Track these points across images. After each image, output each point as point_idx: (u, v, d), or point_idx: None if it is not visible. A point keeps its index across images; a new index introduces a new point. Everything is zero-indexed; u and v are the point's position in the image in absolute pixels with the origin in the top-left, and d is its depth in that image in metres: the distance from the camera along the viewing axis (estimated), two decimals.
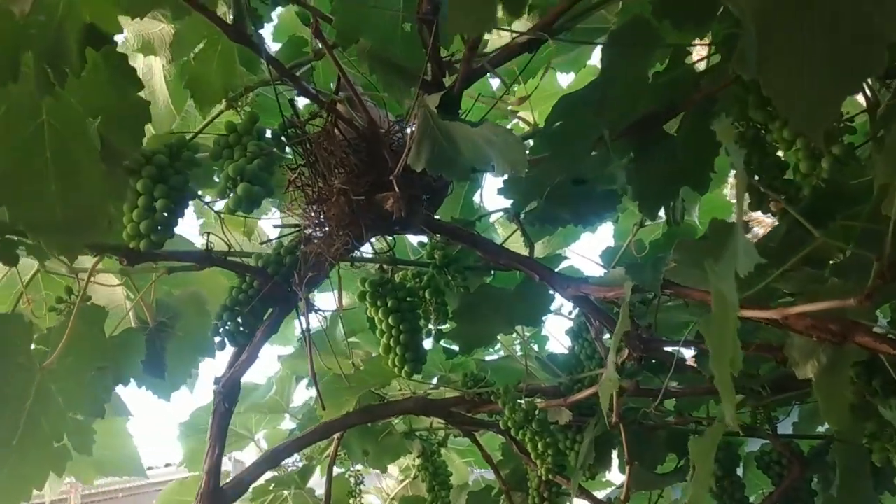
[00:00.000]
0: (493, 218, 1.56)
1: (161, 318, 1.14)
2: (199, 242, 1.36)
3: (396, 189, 0.91)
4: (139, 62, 1.18)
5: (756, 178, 0.84)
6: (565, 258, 1.60)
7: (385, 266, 1.25)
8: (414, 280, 1.31)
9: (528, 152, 0.90)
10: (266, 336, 1.16)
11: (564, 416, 1.45)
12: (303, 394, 2.10)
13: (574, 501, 1.55)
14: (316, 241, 1.05)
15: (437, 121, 0.90)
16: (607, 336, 1.30)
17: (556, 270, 1.44)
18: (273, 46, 1.18)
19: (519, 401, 1.42)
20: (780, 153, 0.84)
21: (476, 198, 1.53)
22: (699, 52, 1.01)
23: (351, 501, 1.92)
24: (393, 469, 2.45)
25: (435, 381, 1.77)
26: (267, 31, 1.12)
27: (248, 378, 1.22)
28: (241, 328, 1.09)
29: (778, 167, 0.85)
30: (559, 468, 1.47)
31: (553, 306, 1.37)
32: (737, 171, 0.68)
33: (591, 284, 1.09)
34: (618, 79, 0.89)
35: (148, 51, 1.10)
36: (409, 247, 1.51)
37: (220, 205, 1.01)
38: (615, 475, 1.85)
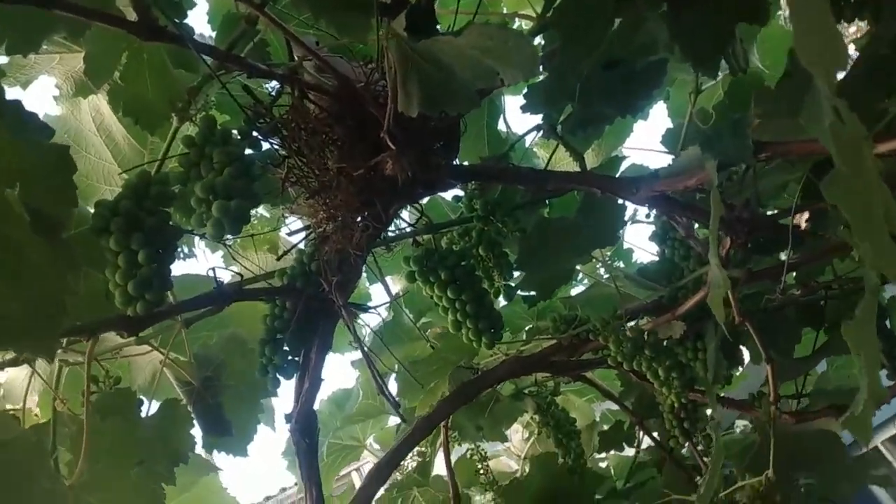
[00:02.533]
0: (527, 142, 1.35)
1: (205, 372, 1.01)
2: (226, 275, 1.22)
3: (392, 146, 0.73)
4: (83, 107, 1.03)
5: None
6: (624, 158, 1.39)
7: (421, 238, 1.08)
8: (462, 241, 1.14)
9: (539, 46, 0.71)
10: (321, 355, 1.02)
11: (677, 330, 1.26)
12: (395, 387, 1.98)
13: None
14: (333, 236, 0.89)
15: (414, 47, 0.71)
16: (698, 226, 1.10)
17: (618, 175, 1.24)
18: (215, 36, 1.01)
19: (622, 329, 1.25)
20: None
21: (500, 125, 1.33)
22: None
23: (482, 478, 1.80)
24: (515, 426, 2.33)
25: (524, 335, 1.62)
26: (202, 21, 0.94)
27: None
28: (289, 357, 0.96)
29: None
30: (688, 384, 1.30)
31: (626, 215, 1.17)
32: None
33: (664, 178, 0.89)
34: None
35: (85, 91, 0.95)
36: (446, 205, 1.33)
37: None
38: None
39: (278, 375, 0.96)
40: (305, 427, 1.05)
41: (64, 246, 0.63)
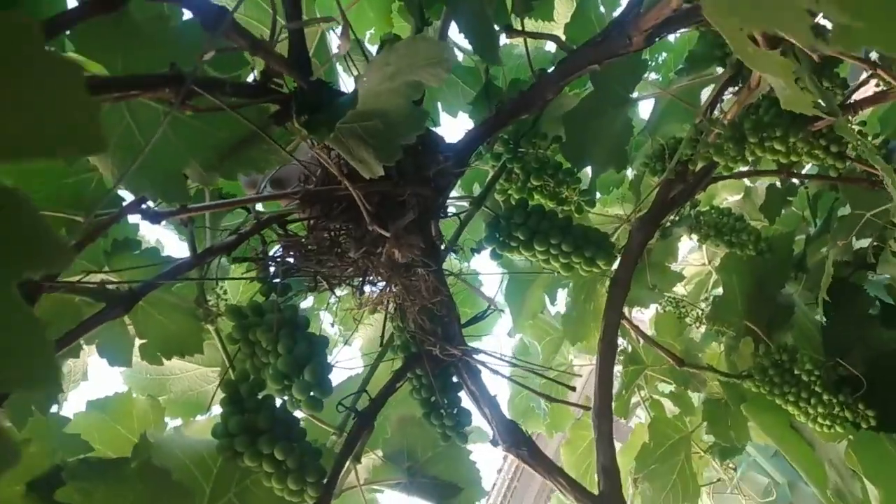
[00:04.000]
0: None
1: (403, 465, 1.03)
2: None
3: (384, 232, 0.67)
4: None
5: None
6: None
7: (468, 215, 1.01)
8: (513, 185, 1.05)
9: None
10: (476, 379, 0.99)
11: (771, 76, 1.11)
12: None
13: None
14: (405, 303, 0.84)
15: (333, 125, 0.63)
16: None
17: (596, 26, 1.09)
18: None
19: (715, 125, 1.12)
20: None
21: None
22: None
23: (688, 319, 1.74)
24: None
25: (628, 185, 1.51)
26: None
27: None
28: (456, 414, 0.94)
29: None
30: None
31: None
32: None
33: (644, 14, 0.76)
34: None
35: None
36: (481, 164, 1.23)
37: None
38: None
39: (460, 431, 0.95)
40: (515, 440, 1.05)
41: None
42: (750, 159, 1.13)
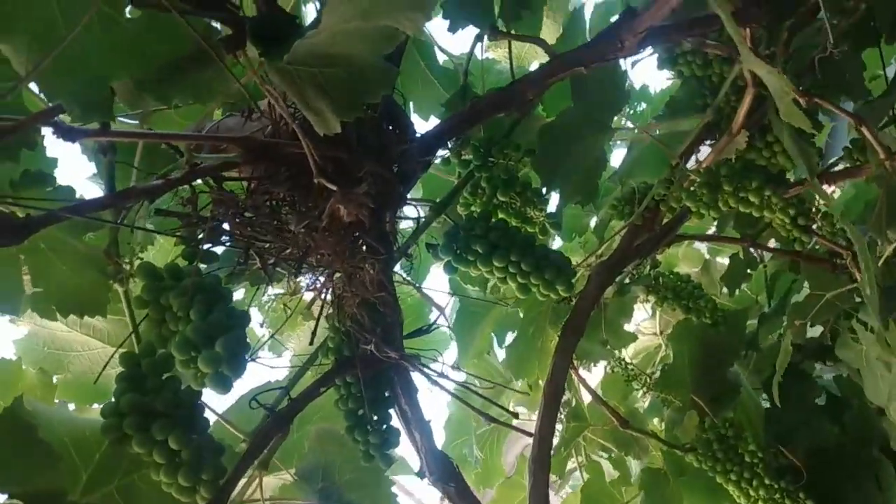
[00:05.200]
0: (480, 55, 1.17)
1: (316, 485, 0.92)
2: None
3: (332, 187, 0.59)
4: None
5: None
6: (582, 5, 1.19)
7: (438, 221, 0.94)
8: (477, 199, 0.99)
9: None
10: (412, 399, 0.90)
11: (742, 141, 1.08)
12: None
13: None
14: (345, 293, 0.76)
15: (291, 61, 0.56)
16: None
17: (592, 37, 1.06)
18: None
19: (687, 177, 1.08)
20: None
21: (440, 57, 1.15)
22: None
23: (634, 384, 1.68)
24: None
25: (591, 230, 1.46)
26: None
27: None
28: (384, 426, 0.85)
29: None
30: (783, 187, 1.15)
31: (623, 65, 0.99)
32: None
33: (644, 11, 0.72)
34: None
35: None
36: (441, 171, 1.17)
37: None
38: None
39: (385, 452, 0.85)
40: (443, 473, 0.95)
41: None
42: (723, 209, 1.10)
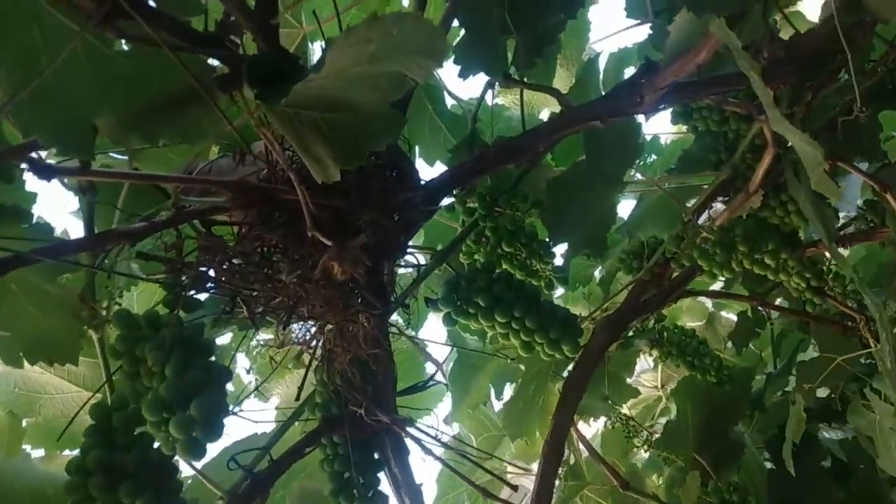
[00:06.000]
0: (489, 100, 1.13)
1: None
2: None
3: (326, 241, 0.54)
4: None
5: None
6: (598, 54, 1.16)
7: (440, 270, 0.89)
8: (481, 248, 0.95)
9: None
10: (403, 462, 0.84)
11: (757, 201, 1.04)
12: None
13: None
14: (336, 348, 0.70)
15: (290, 104, 0.52)
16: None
17: (608, 90, 1.02)
18: None
19: (699, 232, 1.04)
20: None
21: (449, 102, 1.11)
22: None
23: (636, 440, 1.62)
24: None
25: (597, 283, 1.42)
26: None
27: None
28: (371, 498, 0.79)
29: None
30: (799, 251, 1.10)
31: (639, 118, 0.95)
32: None
33: (668, 65, 0.68)
34: None
35: None
36: (445, 218, 1.12)
37: None
38: None
39: None
40: None
41: None
42: (736, 269, 1.05)
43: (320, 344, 0.73)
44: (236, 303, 0.70)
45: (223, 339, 1.04)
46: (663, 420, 2.30)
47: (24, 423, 0.91)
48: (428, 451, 0.76)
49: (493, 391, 1.44)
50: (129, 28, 0.45)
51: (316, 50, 0.87)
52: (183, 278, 0.65)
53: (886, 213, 1.08)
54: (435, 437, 0.77)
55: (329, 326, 0.73)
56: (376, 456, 0.82)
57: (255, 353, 0.98)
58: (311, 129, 0.57)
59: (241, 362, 1.21)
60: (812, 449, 1.61)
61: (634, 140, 0.96)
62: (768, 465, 1.64)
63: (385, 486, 0.85)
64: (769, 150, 0.91)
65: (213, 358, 0.65)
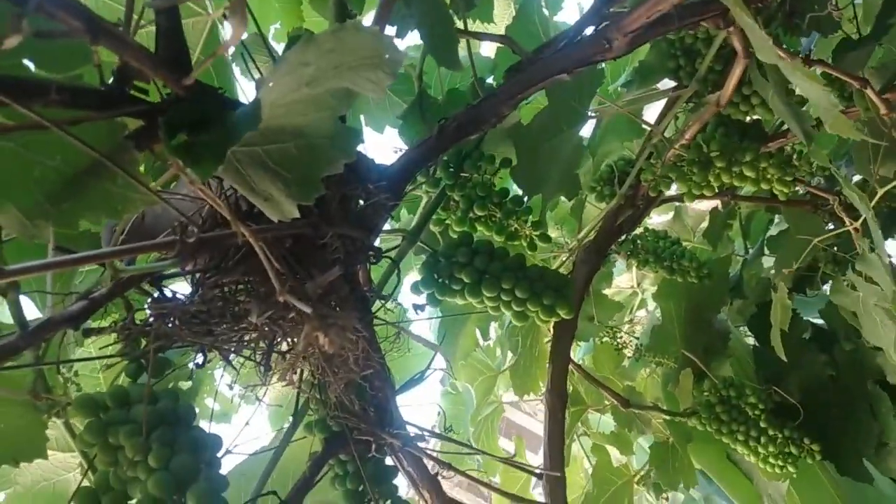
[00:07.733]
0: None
1: None
2: None
3: (304, 307, 0.47)
4: None
5: None
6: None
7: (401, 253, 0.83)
8: (455, 217, 0.88)
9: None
10: (419, 463, 0.80)
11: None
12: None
13: None
14: (328, 378, 0.64)
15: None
16: None
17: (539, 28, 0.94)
18: None
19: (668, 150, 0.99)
20: None
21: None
22: None
23: (626, 352, 1.62)
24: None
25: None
26: None
27: None
28: (389, 501, 0.75)
29: None
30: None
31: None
32: None
33: (635, 6, 0.60)
34: None
35: None
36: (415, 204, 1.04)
37: None
38: None
39: None
40: None
41: None
42: (715, 185, 1.01)
43: (307, 374, 0.66)
44: (206, 352, 0.62)
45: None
46: (641, 313, 2.33)
47: (2, 497, 0.84)
48: (443, 463, 0.72)
49: (479, 335, 1.41)
50: (9, 116, 0.35)
51: (226, 32, 0.75)
52: (142, 345, 0.57)
53: (854, 93, 1.04)
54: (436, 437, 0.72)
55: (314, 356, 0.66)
56: (388, 462, 0.78)
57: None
58: (253, 165, 0.48)
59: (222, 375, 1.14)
60: (792, 323, 1.63)
61: (597, 75, 0.88)
62: (750, 341, 1.67)
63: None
64: (740, 61, 0.85)
65: (195, 423, 0.59)
